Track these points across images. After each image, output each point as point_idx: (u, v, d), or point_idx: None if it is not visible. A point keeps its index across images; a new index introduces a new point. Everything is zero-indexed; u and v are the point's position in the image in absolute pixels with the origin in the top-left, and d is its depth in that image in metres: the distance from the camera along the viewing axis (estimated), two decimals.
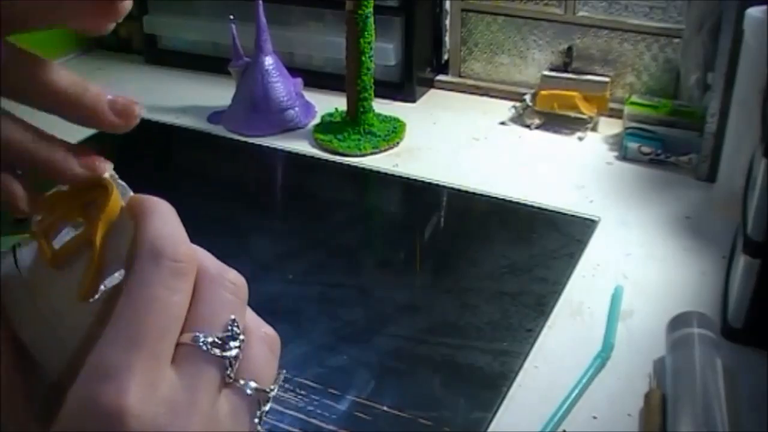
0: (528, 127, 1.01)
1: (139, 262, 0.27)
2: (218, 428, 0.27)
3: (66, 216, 0.31)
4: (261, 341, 0.29)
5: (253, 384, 0.28)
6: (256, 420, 0.28)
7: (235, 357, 0.28)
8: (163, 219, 0.29)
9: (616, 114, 1.00)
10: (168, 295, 0.27)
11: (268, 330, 0.30)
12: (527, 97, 1.02)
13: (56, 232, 0.30)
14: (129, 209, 0.30)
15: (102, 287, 0.29)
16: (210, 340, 0.27)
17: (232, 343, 0.27)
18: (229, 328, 0.28)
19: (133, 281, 0.27)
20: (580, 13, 1.02)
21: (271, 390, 0.29)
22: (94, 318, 0.29)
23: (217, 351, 0.27)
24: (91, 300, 0.28)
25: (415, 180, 0.90)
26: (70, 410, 0.25)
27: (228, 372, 0.27)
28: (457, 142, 0.99)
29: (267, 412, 0.29)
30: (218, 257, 0.30)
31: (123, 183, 0.31)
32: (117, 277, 0.29)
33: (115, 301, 0.27)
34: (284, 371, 0.31)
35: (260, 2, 0.97)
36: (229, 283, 0.29)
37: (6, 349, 0.29)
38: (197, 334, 0.27)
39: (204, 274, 0.28)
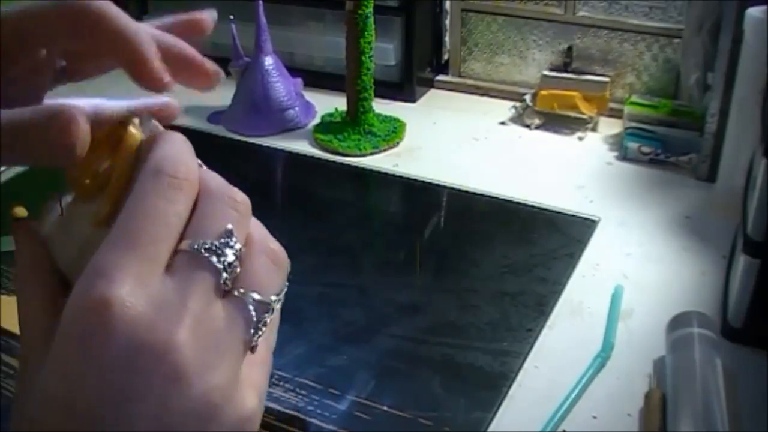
0: (528, 127, 1.01)
1: (140, 177, 0.29)
2: (210, 333, 0.27)
3: (98, 156, 0.33)
4: (264, 254, 0.30)
5: (254, 295, 0.29)
6: (252, 330, 0.28)
7: (230, 264, 0.28)
8: (170, 143, 0.31)
9: (616, 114, 1.00)
10: (164, 204, 0.28)
11: (273, 244, 0.31)
12: (527, 97, 1.02)
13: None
14: (147, 142, 0.32)
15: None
16: (205, 245, 0.28)
17: (228, 251, 0.28)
18: (226, 237, 0.28)
19: (133, 194, 0.28)
20: (580, 13, 1.02)
21: (273, 301, 0.29)
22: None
23: (213, 258, 0.28)
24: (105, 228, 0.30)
25: (415, 180, 0.90)
26: (66, 307, 0.26)
27: (224, 278, 0.28)
28: (457, 142, 0.99)
29: (265, 323, 0.29)
30: None
31: (155, 123, 0.35)
32: None
33: None
34: (287, 285, 0.31)
35: (260, 2, 0.97)
36: (229, 198, 0.30)
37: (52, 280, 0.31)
38: (191, 240, 0.28)
39: (206, 191, 0.30)
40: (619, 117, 0.98)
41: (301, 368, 0.61)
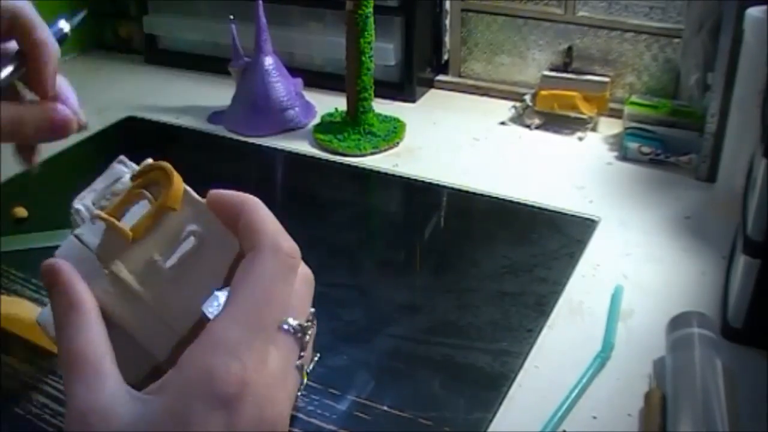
0: (528, 127, 1.01)
1: (260, 253, 0.32)
2: (290, 386, 0.31)
3: (127, 201, 0.37)
4: (305, 284, 0.34)
5: (294, 323, 0.32)
6: (299, 359, 0.32)
7: (307, 341, 0.32)
8: (269, 216, 0.34)
9: (616, 114, 1.00)
10: (284, 286, 0.32)
11: (304, 268, 0.34)
12: (527, 97, 1.02)
13: (121, 215, 0.36)
14: (217, 199, 0.36)
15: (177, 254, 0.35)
16: (297, 325, 0.32)
17: (310, 331, 0.33)
18: (310, 317, 0.33)
19: (254, 269, 0.31)
20: (580, 13, 1.02)
21: (308, 326, 0.33)
22: (170, 282, 0.34)
23: (300, 334, 0.32)
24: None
25: (415, 180, 0.90)
26: (187, 377, 0.29)
27: (302, 354, 0.32)
28: (457, 142, 0.99)
29: (305, 346, 0.33)
30: None
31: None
32: (188, 244, 0.35)
33: (192, 267, 0.34)
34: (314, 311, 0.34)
35: (260, 2, 0.97)
36: (310, 278, 0.34)
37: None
38: (292, 322, 0.32)
39: (302, 272, 0.34)
40: (619, 117, 0.98)
41: None
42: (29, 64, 0.46)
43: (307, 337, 0.32)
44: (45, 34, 0.46)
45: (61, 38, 0.51)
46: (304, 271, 0.34)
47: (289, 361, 0.32)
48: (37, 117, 0.46)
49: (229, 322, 0.30)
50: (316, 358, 0.35)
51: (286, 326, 0.31)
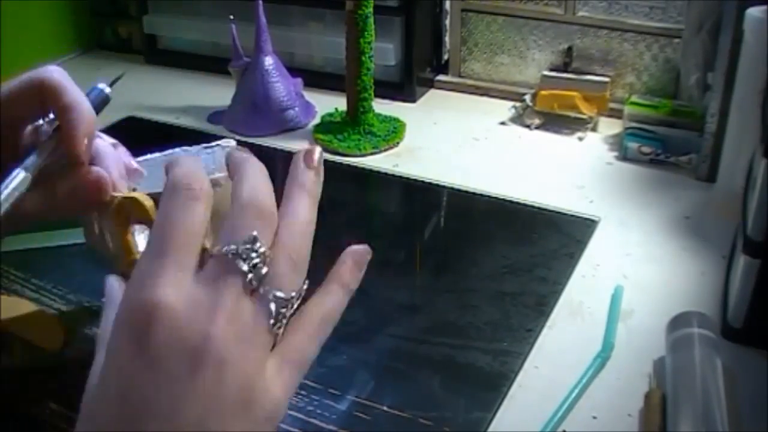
0: (528, 127, 1.01)
1: (162, 196, 0.34)
2: (241, 326, 0.31)
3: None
4: (288, 257, 0.34)
5: (276, 292, 0.32)
6: (272, 322, 0.32)
7: (255, 265, 0.32)
8: (184, 163, 0.35)
9: (616, 114, 1.00)
10: (183, 214, 0.32)
11: (297, 244, 0.35)
12: (527, 97, 1.02)
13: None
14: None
15: None
16: (233, 251, 0.32)
17: (253, 254, 0.32)
18: (251, 242, 0.32)
19: (159, 210, 0.33)
20: (580, 13, 1.02)
21: (292, 297, 0.33)
22: None
23: (239, 261, 0.32)
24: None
25: (415, 180, 0.90)
26: (118, 311, 0.31)
27: (249, 278, 0.32)
28: (457, 142, 0.99)
29: (286, 317, 0.33)
30: None
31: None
32: None
33: None
34: (307, 282, 0.35)
35: (260, 2, 0.97)
36: (255, 208, 0.34)
37: None
38: (220, 246, 0.32)
39: (237, 202, 0.34)
40: (619, 117, 0.98)
41: None
42: (61, 129, 0.45)
43: (253, 260, 0.32)
44: (73, 97, 0.45)
45: (102, 100, 0.51)
46: (265, 207, 0.35)
47: (226, 286, 0.31)
48: (67, 187, 0.46)
49: (140, 260, 0.32)
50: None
51: (215, 252, 0.32)
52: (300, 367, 0.35)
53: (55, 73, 0.46)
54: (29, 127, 0.48)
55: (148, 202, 0.43)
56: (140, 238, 0.42)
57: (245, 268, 0.32)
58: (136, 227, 0.44)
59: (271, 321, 0.32)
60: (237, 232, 0.33)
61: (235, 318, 0.31)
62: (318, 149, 0.42)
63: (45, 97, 0.45)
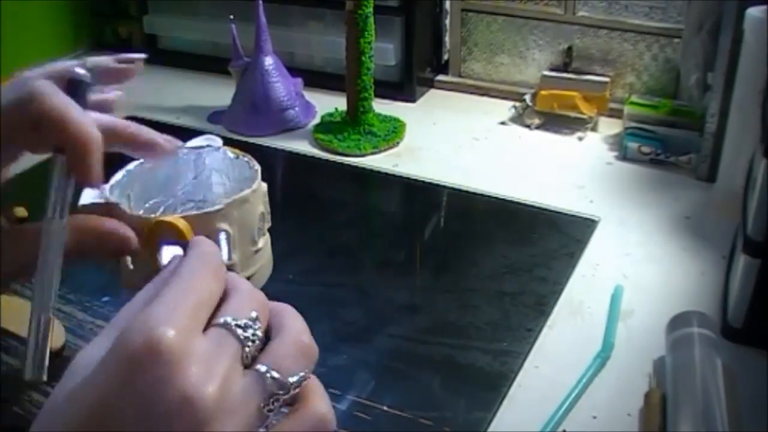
0: (528, 127, 1.01)
1: (191, 260, 0.35)
2: (230, 394, 0.31)
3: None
4: (293, 344, 0.34)
5: (273, 373, 0.32)
6: (263, 404, 0.32)
7: (252, 340, 0.33)
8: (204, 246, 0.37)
9: (616, 114, 1.00)
10: (210, 282, 0.34)
11: (306, 338, 0.35)
12: (527, 97, 1.02)
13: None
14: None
15: None
16: (236, 321, 0.33)
17: (250, 330, 0.33)
18: (251, 320, 0.33)
19: (183, 269, 0.34)
20: (580, 13, 1.02)
21: (291, 383, 0.33)
22: None
23: (239, 330, 0.32)
24: None
25: (415, 180, 0.90)
26: (120, 337, 0.30)
27: (246, 351, 0.32)
28: (457, 142, 0.99)
29: (280, 404, 0.32)
30: None
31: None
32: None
33: None
34: (312, 376, 0.35)
35: (260, 2, 0.97)
36: (253, 296, 0.35)
37: None
38: (225, 317, 0.33)
39: (237, 289, 0.35)
40: (619, 117, 0.98)
41: None
42: (68, 163, 0.40)
43: (248, 332, 0.33)
44: (77, 126, 0.39)
45: (84, 89, 0.45)
46: (261, 297, 0.36)
47: (223, 351, 0.31)
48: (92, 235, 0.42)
49: (157, 301, 0.32)
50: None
51: (220, 321, 0.32)
52: None
53: (53, 98, 0.40)
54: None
55: (182, 223, 0.43)
56: (164, 250, 0.41)
57: (243, 337, 0.33)
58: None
59: (264, 402, 0.32)
60: (239, 309, 0.34)
61: (227, 385, 0.31)
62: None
63: (47, 132, 0.39)
